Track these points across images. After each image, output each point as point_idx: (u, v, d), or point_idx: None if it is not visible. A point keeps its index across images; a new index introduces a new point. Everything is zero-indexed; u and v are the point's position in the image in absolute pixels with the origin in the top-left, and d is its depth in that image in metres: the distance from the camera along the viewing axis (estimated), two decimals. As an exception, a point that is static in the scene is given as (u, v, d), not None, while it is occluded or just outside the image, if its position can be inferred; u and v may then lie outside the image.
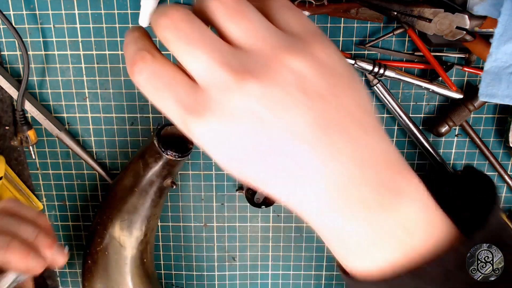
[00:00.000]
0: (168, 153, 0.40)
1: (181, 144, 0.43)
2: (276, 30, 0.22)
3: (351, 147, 0.21)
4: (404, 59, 0.46)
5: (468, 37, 0.40)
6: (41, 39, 0.46)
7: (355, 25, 0.45)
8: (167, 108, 0.23)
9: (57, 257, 0.40)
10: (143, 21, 0.42)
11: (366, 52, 0.46)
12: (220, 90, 0.21)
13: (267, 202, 0.49)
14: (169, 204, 0.53)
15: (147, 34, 0.25)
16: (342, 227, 0.22)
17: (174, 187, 0.44)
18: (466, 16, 0.39)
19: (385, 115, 0.49)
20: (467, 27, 0.39)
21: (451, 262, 0.22)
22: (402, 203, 0.22)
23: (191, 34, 0.22)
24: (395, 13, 0.41)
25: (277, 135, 0.21)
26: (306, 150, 0.21)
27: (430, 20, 0.40)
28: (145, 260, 0.48)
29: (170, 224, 0.53)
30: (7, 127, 0.48)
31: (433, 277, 0.21)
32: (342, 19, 0.45)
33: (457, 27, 0.40)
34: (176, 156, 0.40)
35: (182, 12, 0.22)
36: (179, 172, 0.51)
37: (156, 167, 0.42)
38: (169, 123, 0.43)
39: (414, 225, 0.22)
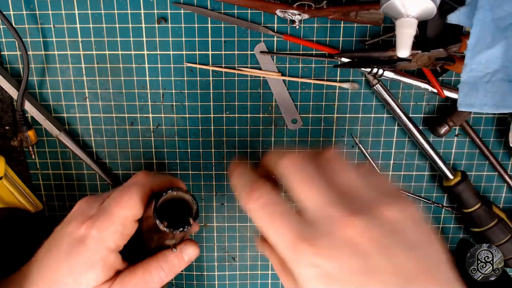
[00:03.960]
0: (160, 225, 0.35)
1: (184, 211, 0.38)
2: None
3: None
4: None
5: (448, 63, 0.43)
6: (41, 39, 0.46)
7: (355, 25, 0.45)
8: (279, 233, 0.26)
9: None
10: (405, 52, 0.36)
11: (366, 52, 0.46)
12: (330, 223, 0.25)
13: None
14: (169, 204, 0.53)
15: (254, 169, 0.31)
16: None
17: (175, 250, 0.39)
18: (442, 49, 0.41)
19: (385, 115, 0.49)
20: (445, 56, 0.42)
21: None
22: None
23: (308, 174, 0.27)
24: (375, 67, 0.44)
25: (378, 270, 0.24)
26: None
27: (410, 61, 0.42)
28: None
29: (170, 224, 0.53)
30: (7, 127, 0.48)
31: None
32: (342, 19, 0.45)
33: (437, 59, 0.42)
34: (171, 231, 0.36)
35: (301, 157, 0.28)
36: (179, 173, 0.51)
37: (153, 227, 0.38)
38: (174, 188, 0.37)
39: None
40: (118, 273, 0.37)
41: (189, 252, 0.39)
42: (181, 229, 0.36)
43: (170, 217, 0.36)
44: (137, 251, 0.39)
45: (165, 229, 0.35)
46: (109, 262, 0.35)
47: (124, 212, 0.36)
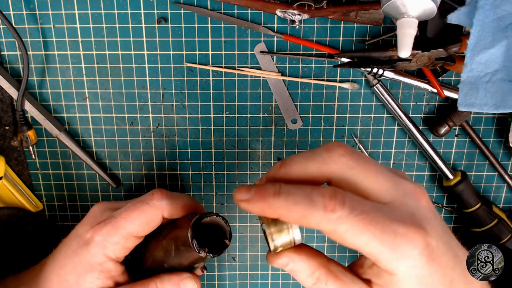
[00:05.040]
0: (201, 252, 0.35)
1: (217, 234, 0.37)
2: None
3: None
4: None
5: (448, 63, 0.43)
6: (41, 39, 0.46)
7: (355, 25, 0.45)
8: (384, 230, 0.26)
9: None
10: (407, 53, 0.36)
11: (366, 52, 0.46)
12: (413, 198, 0.28)
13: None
14: (169, 204, 0.52)
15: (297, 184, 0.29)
16: None
17: (205, 272, 0.42)
18: (442, 49, 0.41)
19: (385, 115, 0.49)
20: (445, 56, 0.42)
21: None
22: None
23: (369, 161, 0.28)
24: (375, 67, 0.43)
25: (443, 227, 0.28)
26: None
27: (410, 61, 0.42)
28: None
29: (170, 224, 0.53)
30: (7, 127, 0.48)
31: None
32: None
33: (437, 59, 0.42)
34: (210, 255, 0.36)
35: (349, 148, 0.28)
36: (179, 172, 0.51)
37: (187, 255, 0.37)
38: (206, 214, 0.36)
39: None
40: (118, 286, 0.38)
41: (189, 285, 0.39)
42: (221, 253, 0.36)
43: (200, 240, 0.36)
44: (145, 270, 0.40)
45: (206, 255, 0.35)
46: (106, 269, 0.36)
47: (129, 227, 0.36)
